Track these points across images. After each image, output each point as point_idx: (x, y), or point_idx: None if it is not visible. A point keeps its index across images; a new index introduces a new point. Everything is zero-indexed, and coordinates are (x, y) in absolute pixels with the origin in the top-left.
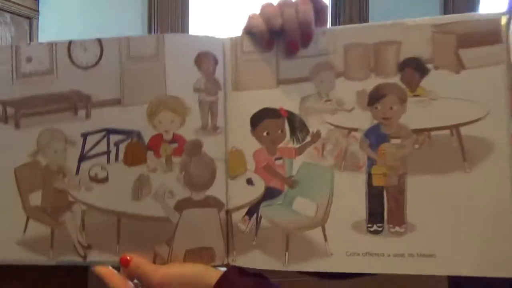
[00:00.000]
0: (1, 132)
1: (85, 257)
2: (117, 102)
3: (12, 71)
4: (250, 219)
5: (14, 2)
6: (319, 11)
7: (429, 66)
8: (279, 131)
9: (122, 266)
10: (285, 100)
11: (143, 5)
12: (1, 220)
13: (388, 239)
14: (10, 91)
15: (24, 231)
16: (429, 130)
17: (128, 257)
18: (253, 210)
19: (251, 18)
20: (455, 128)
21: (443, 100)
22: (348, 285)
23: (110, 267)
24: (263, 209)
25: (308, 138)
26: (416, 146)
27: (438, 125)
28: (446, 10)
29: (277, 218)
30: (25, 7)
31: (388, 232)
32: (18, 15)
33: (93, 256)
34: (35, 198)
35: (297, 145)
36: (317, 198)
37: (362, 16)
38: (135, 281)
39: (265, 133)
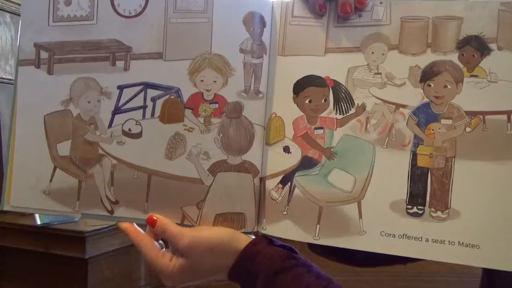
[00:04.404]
0: (33, 76)
1: (112, 212)
2: (158, 55)
3: (48, 13)
4: (283, 188)
5: (14, 2)
6: None
7: (492, 46)
8: (323, 100)
9: (148, 225)
10: (331, 69)
11: None
12: (28, 167)
13: (428, 224)
14: (45, 34)
15: (51, 180)
16: (484, 113)
17: (155, 217)
18: (287, 178)
19: None
20: None
21: (503, 84)
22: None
23: (135, 225)
24: (297, 178)
25: (352, 110)
26: (468, 129)
27: (494, 109)
28: None
29: (311, 188)
30: None
31: (429, 216)
32: (18, 15)
33: (120, 212)
34: (64, 148)
35: (339, 116)
36: (355, 172)
37: None
38: (160, 241)
39: (307, 101)
